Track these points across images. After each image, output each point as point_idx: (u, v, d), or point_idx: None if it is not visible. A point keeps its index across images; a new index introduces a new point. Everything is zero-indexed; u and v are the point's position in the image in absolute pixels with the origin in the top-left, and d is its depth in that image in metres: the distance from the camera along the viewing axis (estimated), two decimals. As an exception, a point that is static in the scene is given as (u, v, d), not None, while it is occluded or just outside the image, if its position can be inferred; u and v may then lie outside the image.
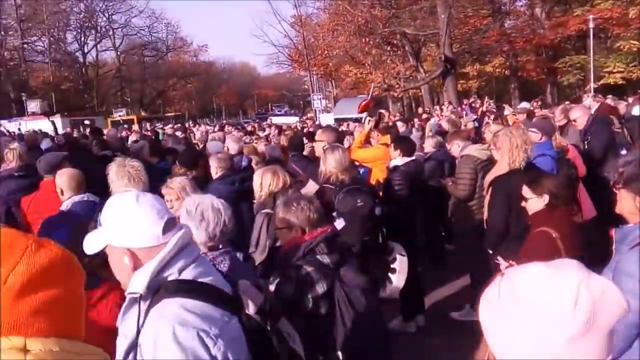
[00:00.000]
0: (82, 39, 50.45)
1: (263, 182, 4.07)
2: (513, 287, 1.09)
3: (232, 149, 6.36)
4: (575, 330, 1.02)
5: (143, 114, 44.40)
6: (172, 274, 1.66)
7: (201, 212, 2.45)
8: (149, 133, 13.80)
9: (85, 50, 51.23)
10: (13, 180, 5.51)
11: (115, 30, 52.03)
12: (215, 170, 5.07)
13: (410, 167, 5.38)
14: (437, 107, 21.14)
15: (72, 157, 6.93)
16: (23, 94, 37.74)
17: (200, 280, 1.69)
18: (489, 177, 4.54)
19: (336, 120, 22.10)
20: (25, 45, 46.38)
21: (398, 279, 4.57)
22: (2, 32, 44.04)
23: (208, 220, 2.45)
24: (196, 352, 1.54)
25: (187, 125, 22.12)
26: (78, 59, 50.96)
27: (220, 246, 2.52)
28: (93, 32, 50.84)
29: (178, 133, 13.11)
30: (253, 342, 1.75)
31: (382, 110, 7.05)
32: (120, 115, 35.67)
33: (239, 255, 3.46)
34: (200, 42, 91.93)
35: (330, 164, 4.46)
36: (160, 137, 12.77)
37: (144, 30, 53.54)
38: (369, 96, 18.29)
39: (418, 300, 5.77)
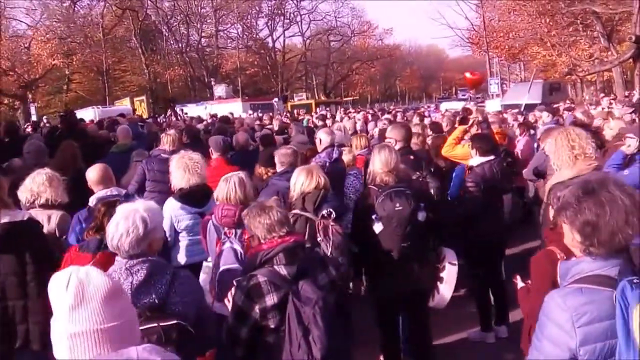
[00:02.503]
0: (272, 25, 54.11)
1: (297, 181, 4.00)
2: None
3: (324, 141, 6.31)
4: (71, 302, 1.43)
5: (323, 98, 46.33)
6: None
7: (116, 223, 2.47)
8: (287, 121, 14.32)
9: (274, 37, 54.92)
10: (156, 159, 6.22)
11: (302, 16, 54.89)
12: (279, 165, 5.07)
13: (485, 168, 4.88)
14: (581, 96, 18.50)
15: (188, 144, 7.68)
16: (212, 78, 41.94)
17: None
18: (549, 183, 3.95)
19: (506, 106, 20.60)
20: (219, 33, 51.17)
21: (444, 289, 4.24)
22: (200, 21, 49.24)
23: (113, 233, 2.45)
24: None
25: (343, 110, 22.39)
26: (267, 44, 54.74)
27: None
28: (282, 18, 54.06)
29: (316, 120, 13.41)
30: None
31: (469, 106, 6.39)
32: (299, 99, 37.58)
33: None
34: (385, 25, 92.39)
35: (376, 164, 4.22)
36: (305, 123, 13.26)
37: (329, 15, 55.69)
38: (531, 80, 16.77)
39: (501, 309, 5.30)
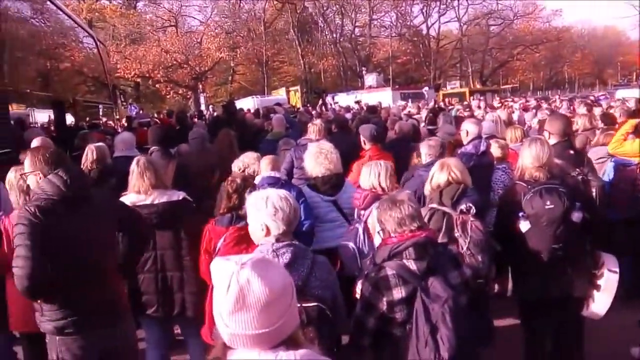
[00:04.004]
0: (427, 11, 52.77)
1: (434, 175, 3.92)
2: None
3: (471, 133, 6.04)
4: (230, 307, 1.43)
5: (478, 86, 44.45)
6: None
7: (272, 204, 2.57)
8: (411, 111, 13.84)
9: (429, 23, 53.59)
10: (303, 148, 6.34)
11: (460, 0, 52.84)
12: (425, 156, 4.99)
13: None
14: None
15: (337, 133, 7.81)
16: (364, 67, 42.25)
17: None
18: None
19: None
20: (373, 22, 51.48)
21: (601, 298, 3.85)
22: (355, 10, 49.91)
23: (283, 210, 2.57)
24: None
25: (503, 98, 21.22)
26: (421, 31, 53.72)
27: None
28: (438, 3, 52.36)
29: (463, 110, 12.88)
30: None
31: None
32: (452, 88, 36.50)
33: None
34: (554, 6, 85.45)
35: (525, 158, 3.94)
36: (454, 113, 12.82)
37: (491, -3, 52.87)
38: None
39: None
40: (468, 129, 6.08)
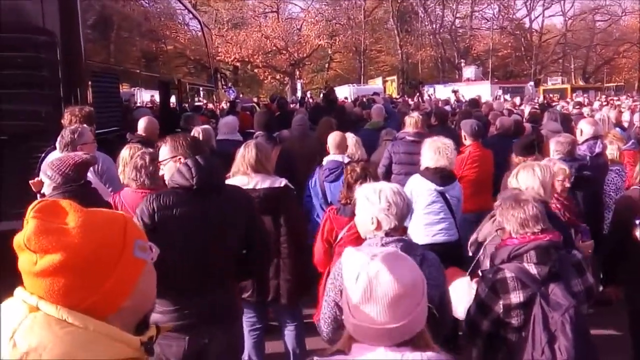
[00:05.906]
0: (531, 4, 50.23)
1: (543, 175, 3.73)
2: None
3: (586, 133, 5.71)
4: (358, 298, 1.43)
5: (581, 83, 41.91)
6: None
7: (386, 198, 2.46)
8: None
9: (532, 17, 51.15)
10: (401, 142, 6.33)
11: (567, -6, 49.85)
12: (553, 153, 4.85)
13: None
14: None
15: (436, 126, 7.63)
16: (463, 59, 40.86)
17: None
18: None
19: None
20: (474, 14, 49.82)
21: None
22: (456, 1, 48.55)
23: (396, 204, 2.46)
24: None
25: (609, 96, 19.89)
26: (524, 25, 51.37)
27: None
28: (544, -3, 49.88)
29: (571, 107, 12.12)
30: None
31: None
32: (554, 84, 34.68)
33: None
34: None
35: (652, 158, 3.71)
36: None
37: (603, -8, 49.53)
38: None
39: None
40: (583, 128, 5.77)
